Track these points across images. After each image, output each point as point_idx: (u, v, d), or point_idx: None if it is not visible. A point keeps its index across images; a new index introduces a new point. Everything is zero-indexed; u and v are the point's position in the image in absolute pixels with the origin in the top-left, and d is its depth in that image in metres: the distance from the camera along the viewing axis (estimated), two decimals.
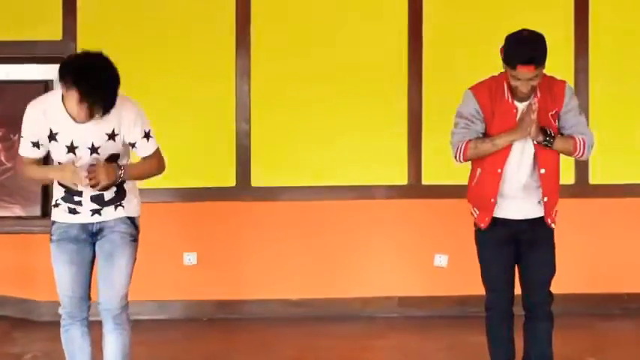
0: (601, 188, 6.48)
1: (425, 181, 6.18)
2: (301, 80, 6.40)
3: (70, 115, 3.80)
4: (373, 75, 6.13)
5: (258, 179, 6.35)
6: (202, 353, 5.51)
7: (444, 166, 5.79)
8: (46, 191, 6.25)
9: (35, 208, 6.01)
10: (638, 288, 6.50)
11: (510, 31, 4.05)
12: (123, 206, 4.16)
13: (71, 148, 3.93)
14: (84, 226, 4.15)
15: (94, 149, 3.94)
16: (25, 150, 4.02)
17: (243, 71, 6.32)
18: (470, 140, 4.06)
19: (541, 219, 4.26)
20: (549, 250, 4.33)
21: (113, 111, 3.82)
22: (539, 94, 4.02)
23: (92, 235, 4.17)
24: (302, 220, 6.47)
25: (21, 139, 4.01)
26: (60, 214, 4.15)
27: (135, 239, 4.24)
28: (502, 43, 4.03)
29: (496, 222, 4.23)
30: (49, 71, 6.49)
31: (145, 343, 5.51)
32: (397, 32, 6.34)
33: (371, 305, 5.92)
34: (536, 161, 4.12)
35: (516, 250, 4.32)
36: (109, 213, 4.15)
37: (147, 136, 4.04)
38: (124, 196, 4.14)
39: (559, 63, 6.20)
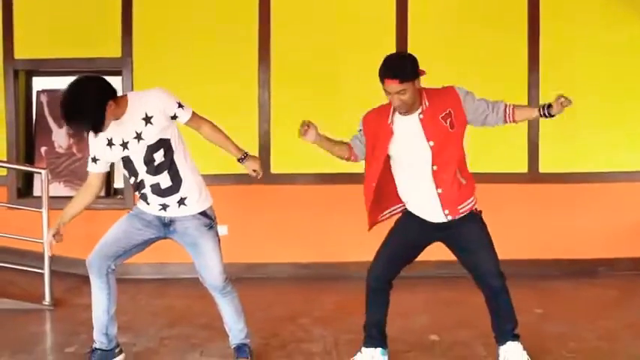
0: (549, 176, 6.88)
1: None
2: (315, 89, 6.82)
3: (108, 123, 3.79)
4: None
5: (277, 167, 6.79)
6: None
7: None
8: (109, 176, 6.58)
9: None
10: (575, 254, 6.97)
11: None
12: (186, 204, 4.00)
13: (124, 145, 3.92)
14: (157, 216, 4.07)
15: (139, 137, 3.88)
16: (89, 166, 4.12)
17: (264, 82, 6.84)
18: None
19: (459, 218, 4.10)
20: (482, 242, 4.15)
21: (136, 104, 3.83)
22: (426, 104, 3.93)
23: (164, 225, 4.05)
24: (313, 200, 6.88)
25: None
26: (140, 203, 4.17)
27: (211, 227, 4.06)
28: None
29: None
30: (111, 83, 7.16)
31: (185, 297, 6.11)
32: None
33: (364, 267, 5.34)
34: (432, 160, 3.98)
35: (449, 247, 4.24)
36: (173, 210, 4.00)
37: (180, 105, 3.95)
38: (180, 185, 3.96)
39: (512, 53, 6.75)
